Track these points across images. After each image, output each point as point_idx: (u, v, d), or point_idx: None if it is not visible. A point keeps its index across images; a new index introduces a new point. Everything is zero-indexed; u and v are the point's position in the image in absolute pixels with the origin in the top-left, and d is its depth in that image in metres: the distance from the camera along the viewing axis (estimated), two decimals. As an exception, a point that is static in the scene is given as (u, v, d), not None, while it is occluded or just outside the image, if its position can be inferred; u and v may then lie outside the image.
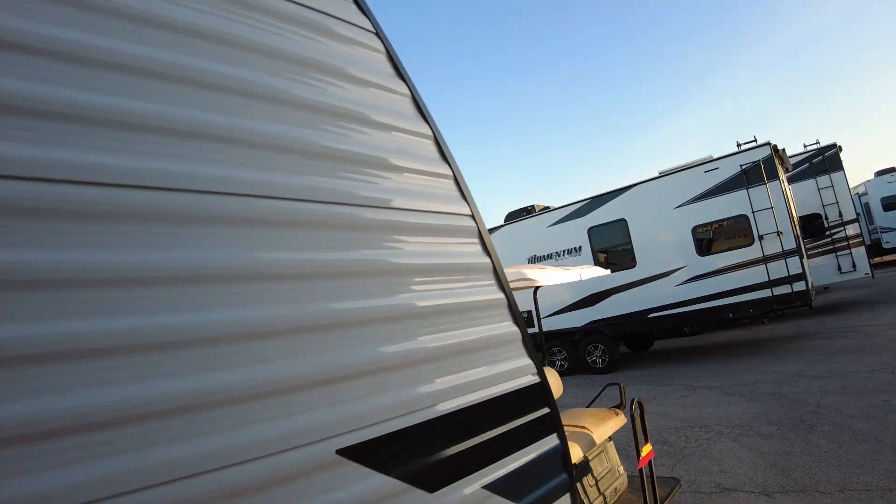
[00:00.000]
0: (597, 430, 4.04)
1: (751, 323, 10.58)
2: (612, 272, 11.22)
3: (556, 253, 12.14)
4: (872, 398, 6.41)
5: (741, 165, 9.72)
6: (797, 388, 7.40)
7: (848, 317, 12.48)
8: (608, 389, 4.87)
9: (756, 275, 9.63)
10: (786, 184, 10.92)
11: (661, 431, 6.73)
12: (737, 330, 12.94)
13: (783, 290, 9.42)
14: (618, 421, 4.26)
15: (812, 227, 13.69)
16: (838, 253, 13.44)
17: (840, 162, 13.55)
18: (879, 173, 22.37)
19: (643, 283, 10.87)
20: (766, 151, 9.59)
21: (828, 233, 13.54)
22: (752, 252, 9.67)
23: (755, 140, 9.81)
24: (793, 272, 9.33)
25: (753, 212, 9.60)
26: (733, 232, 9.98)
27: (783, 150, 9.92)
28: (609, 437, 4.26)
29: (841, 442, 5.35)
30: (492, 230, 13.52)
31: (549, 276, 3.94)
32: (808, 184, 13.65)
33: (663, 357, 12.13)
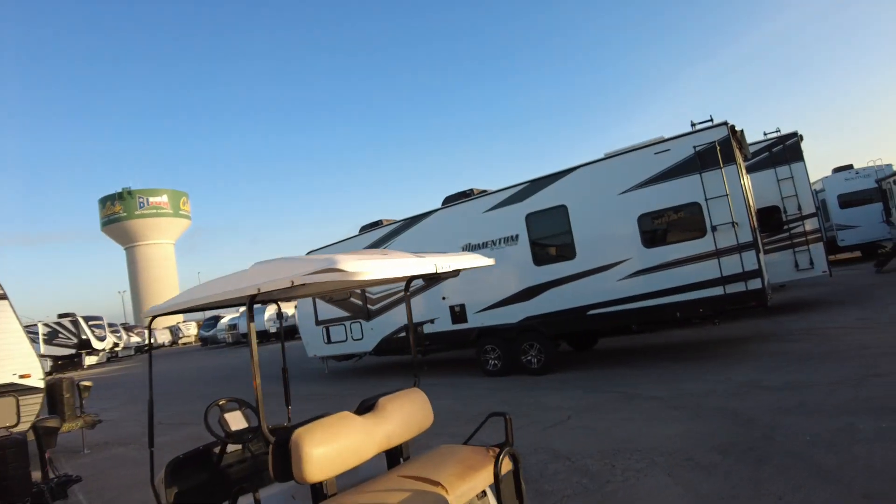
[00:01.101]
0: (456, 488, 2.75)
1: (701, 323, 9.53)
2: (552, 264, 10.14)
3: (492, 241, 10.89)
4: (835, 420, 5.33)
5: (695, 147, 8.59)
6: (749, 404, 6.31)
7: (806, 317, 11.60)
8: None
9: (707, 270, 8.55)
10: (744, 170, 9.87)
11: (584, 456, 5.53)
12: (689, 328, 11.91)
13: (737, 287, 8.35)
14: (490, 472, 2.97)
15: (769, 220, 12.79)
16: (796, 249, 12.59)
17: (801, 152, 12.66)
18: (837, 170, 21.87)
19: (583, 277, 9.70)
20: (723, 132, 8.48)
21: (786, 227, 12.66)
22: (704, 245, 8.58)
23: (711, 120, 8.69)
24: (748, 268, 8.27)
25: (706, 199, 8.49)
26: (684, 222, 8.87)
27: (741, 131, 8.83)
28: (482, 493, 2.98)
29: (799, 483, 4.21)
30: (424, 215, 12.20)
31: (379, 266, 2.57)
32: (767, 174, 12.73)
33: (606, 357, 11.03)
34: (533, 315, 10.35)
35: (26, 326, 31.27)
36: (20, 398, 8.75)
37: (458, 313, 11.48)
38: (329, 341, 14.57)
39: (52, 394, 9.90)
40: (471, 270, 11.23)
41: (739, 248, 8.28)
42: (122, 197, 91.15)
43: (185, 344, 60.22)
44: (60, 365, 36.06)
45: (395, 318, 12.70)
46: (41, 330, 35.39)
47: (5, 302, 9.07)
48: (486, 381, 10.52)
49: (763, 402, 6.29)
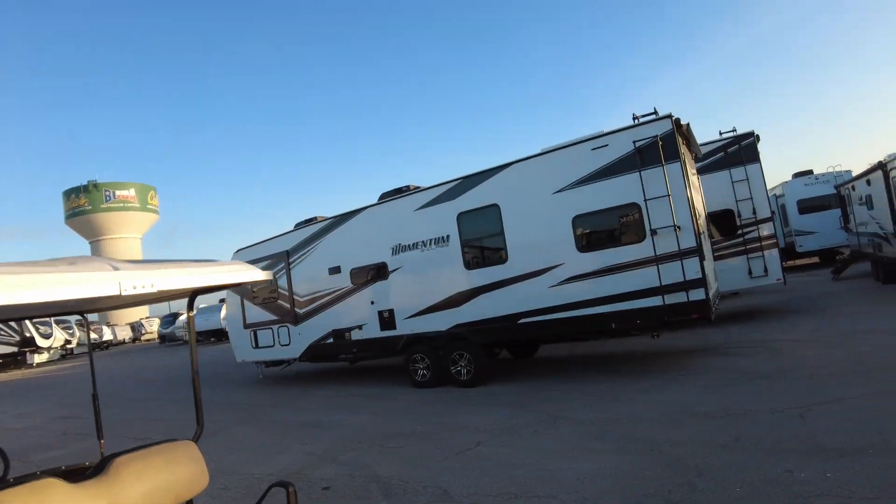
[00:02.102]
0: None
1: (640, 335, 8.75)
2: (483, 268, 9.25)
3: (423, 242, 9.97)
4: (772, 465, 4.51)
5: (635, 142, 7.78)
6: (679, 436, 5.48)
7: (757, 328, 10.92)
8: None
9: (645, 278, 7.75)
10: (691, 169, 9.10)
11: (476, 499, 4.63)
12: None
13: (677, 298, 7.56)
14: None
15: (723, 225, 12.11)
16: (750, 255, 11.93)
17: (757, 153, 12.00)
18: (797, 175, 21.48)
19: (515, 283, 8.84)
20: (667, 126, 7.68)
21: (740, 232, 11.98)
22: (643, 250, 7.78)
23: (655, 113, 7.87)
24: (690, 277, 7.48)
25: (646, 200, 7.68)
26: (621, 224, 8.07)
27: (687, 125, 8.03)
28: None
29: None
30: (354, 213, 11.23)
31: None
32: (721, 176, 12.04)
33: (544, 367, 10.19)
34: (463, 322, 9.47)
35: (-40, 323, 29.26)
36: None
37: (387, 319, 10.54)
38: (257, 346, 13.52)
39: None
40: (401, 272, 10.01)
41: (681, 255, 7.48)
42: (88, 190, 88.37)
43: (147, 341, 58.18)
44: (2, 364, 34.24)
45: (324, 323, 11.71)
46: (-21, 327, 33.48)
47: None
48: (411, 394, 9.61)
49: (696, 433, 5.47)
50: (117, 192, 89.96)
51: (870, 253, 15.35)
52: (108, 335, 56.97)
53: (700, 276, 7.46)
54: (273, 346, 13.04)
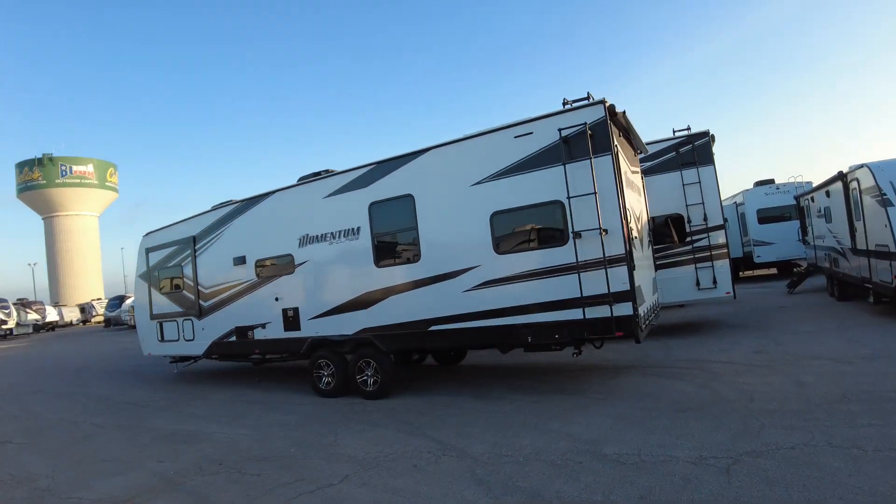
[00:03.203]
0: None
1: (559, 350, 7.74)
2: (394, 266, 8.15)
3: (332, 234, 8.82)
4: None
5: (561, 130, 6.73)
6: (572, 488, 4.44)
7: (700, 343, 10.04)
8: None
9: (565, 287, 6.73)
10: (629, 165, 8.12)
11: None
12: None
13: (599, 312, 6.56)
14: None
15: (670, 230, 11.22)
16: (698, 265, 11.06)
17: (711, 154, 11.11)
18: (758, 184, 20.87)
19: (427, 284, 7.77)
20: (599, 113, 6.65)
21: (689, 239, 11.09)
22: (564, 255, 6.75)
23: (588, 97, 6.83)
24: (616, 289, 6.48)
25: (569, 197, 6.65)
26: (542, 224, 7.06)
27: (624, 114, 7.01)
28: None
29: None
30: (261, 197, 10.02)
31: None
32: (672, 177, 11.13)
33: (462, 378, 9.14)
34: (370, 327, 8.37)
35: None
36: None
37: (292, 319, 9.38)
38: (163, 339, 12.25)
39: None
40: (308, 267, 8.82)
41: (606, 262, 6.47)
42: (42, 163, 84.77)
43: (97, 323, 55.74)
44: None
45: (228, 318, 10.50)
46: None
47: None
48: (310, 404, 8.49)
49: (594, 485, 4.44)
50: (74, 168, 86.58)
51: (826, 267, 14.70)
52: (52, 316, 54.57)
53: (627, 287, 6.47)
54: (178, 340, 11.79)
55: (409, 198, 7.91)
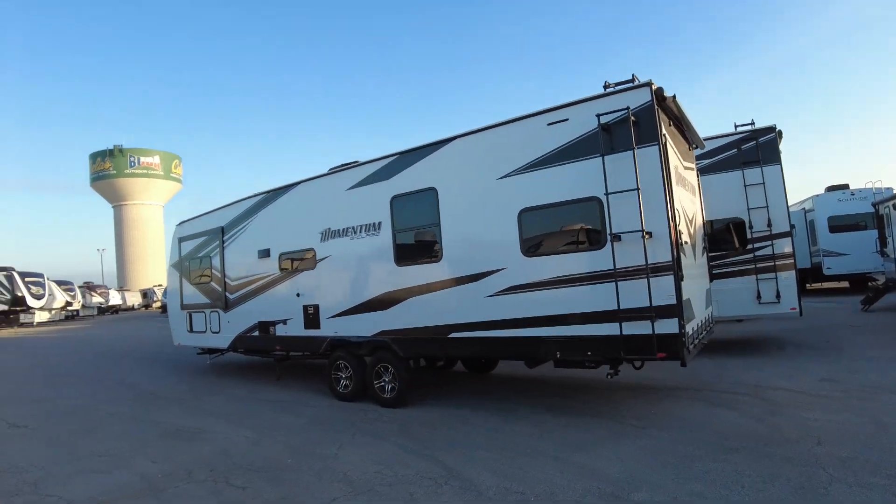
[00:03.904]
0: None
1: (594, 368, 6.88)
2: (415, 265, 7.50)
3: (353, 229, 8.26)
4: None
5: (599, 117, 5.90)
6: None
7: (757, 365, 8.95)
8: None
9: (600, 297, 5.91)
10: (682, 160, 7.18)
11: None
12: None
13: (639, 328, 5.70)
14: None
15: (730, 237, 10.13)
16: (760, 276, 9.93)
17: (777, 152, 9.94)
18: (831, 189, 19.13)
19: (448, 287, 7.09)
20: (645, 97, 5.79)
21: (750, 247, 9.98)
22: (600, 260, 5.93)
23: (633, 80, 5.97)
24: (659, 302, 5.61)
25: (608, 194, 5.82)
26: (576, 224, 6.24)
27: (674, 98, 6.10)
28: None
29: None
30: (285, 188, 9.58)
31: None
32: (732, 177, 10.02)
33: (488, 389, 8.40)
34: (388, 329, 7.76)
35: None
36: None
37: (312, 316, 8.90)
38: (192, 330, 12.07)
39: None
40: (329, 263, 8.11)
41: (649, 271, 5.61)
42: (113, 154, 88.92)
43: (157, 307, 57.85)
44: (-7, 319, 33.75)
45: (252, 312, 10.14)
46: (-28, 283, 33.00)
47: None
48: (323, 408, 7.98)
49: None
50: (142, 159, 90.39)
51: (908, 284, 13.16)
52: (115, 299, 57.05)
53: (673, 301, 5.59)
54: (205, 332, 11.58)
55: (431, 191, 7.25)
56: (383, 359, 7.88)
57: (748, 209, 9.91)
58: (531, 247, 6.42)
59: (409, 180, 7.53)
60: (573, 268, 6.07)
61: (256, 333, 10.04)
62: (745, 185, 9.89)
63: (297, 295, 9.10)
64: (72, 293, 44.43)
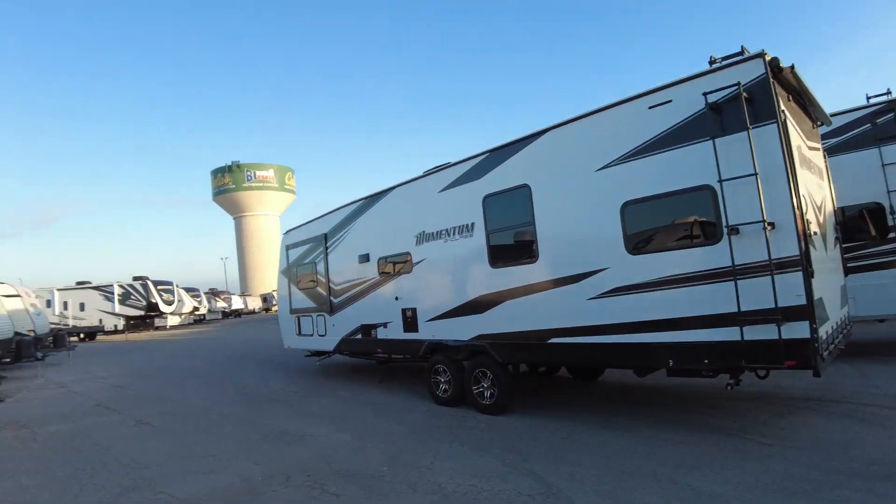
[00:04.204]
0: None
1: (712, 377, 6.23)
2: (510, 266, 7.23)
3: (446, 231, 8.14)
4: None
5: (707, 95, 5.33)
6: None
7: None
8: None
9: (717, 298, 5.32)
10: (805, 140, 6.37)
11: None
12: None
13: (763, 333, 5.07)
14: None
15: (867, 225, 8.96)
16: (906, 268, 8.68)
17: (925, 126, 8.64)
18: None
19: (545, 289, 6.74)
20: (758, 69, 5.15)
21: (892, 235, 8.77)
22: (715, 256, 5.34)
23: (743, 52, 5.34)
24: (786, 302, 4.95)
25: (721, 181, 5.23)
26: (686, 216, 5.67)
27: (792, 68, 5.37)
28: None
29: None
30: (381, 194, 9.66)
31: None
32: (867, 156, 8.84)
33: (597, 396, 7.95)
34: (485, 334, 7.54)
35: (103, 287, 32.48)
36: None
37: (410, 319, 8.88)
38: (300, 333, 12.56)
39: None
40: (425, 266, 8.15)
41: (773, 267, 4.98)
42: (231, 170, 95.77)
43: (276, 311, 61.60)
44: (133, 324, 37.29)
45: (354, 315, 10.34)
46: (116, 291, 36.65)
47: None
48: (424, 412, 7.92)
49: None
50: (257, 173, 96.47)
51: None
52: (238, 304, 61.47)
53: (803, 301, 4.92)
54: (313, 335, 11.98)
55: (524, 188, 6.95)
56: (481, 364, 7.67)
57: (888, 192, 8.70)
58: (637, 244, 5.93)
59: (501, 178, 7.28)
60: (685, 266, 5.53)
61: (359, 336, 10.21)
62: (883, 165, 8.68)
63: (396, 298, 9.13)
64: (198, 299, 48.31)
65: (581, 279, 6.34)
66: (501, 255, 7.38)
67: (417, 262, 8.69)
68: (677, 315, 5.58)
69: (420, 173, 9.01)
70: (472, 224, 7.66)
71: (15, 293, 19.19)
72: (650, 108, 5.75)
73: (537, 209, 6.80)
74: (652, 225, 5.89)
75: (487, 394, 7.60)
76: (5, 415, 10.01)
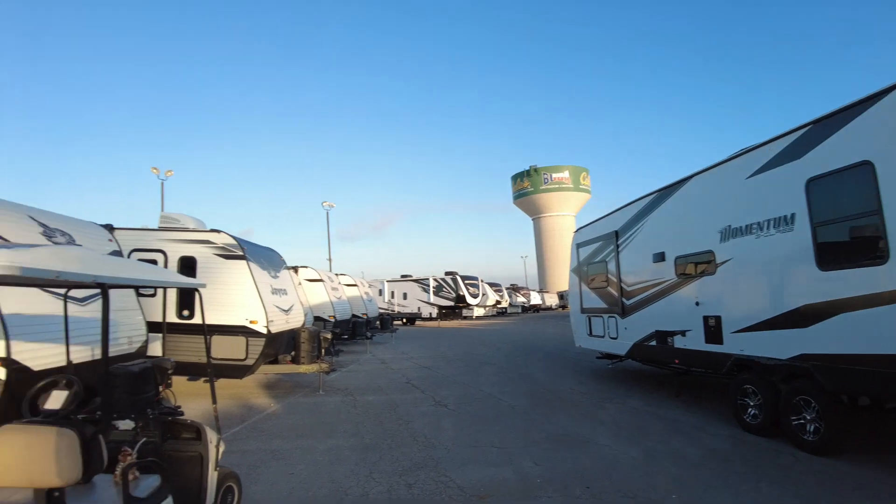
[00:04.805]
0: None
1: None
2: (847, 269, 5.78)
3: (757, 224, 6.90)
4: None
5: None
6: None
7: None
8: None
9: None
10: None
11: None
12: None
13: None
14: None
15: None
16: None
17: None
18: None
19: (902, 299, 5.15)
20: None
21: None
22: None
23: None
24: None
25: None
26: None
27: None
28: None
29: None
30: (678, 184, 8.74)
31: None
32: None
33: None
34: (809, 353, 6.15)
35: (421, 280, 37.69)
36: (249, 339, 9.87)
37: (713, 329, 7.85)
38: (591, 333, 12.33)
39: (296, 340, 11.13)
40: (731, 266, 7.56)
41: None
42: (530, 174, 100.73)
43: (571, 308, 63.05)
44: (444, 313, 41.95)
45: (648, 320, 9.67)
46: (431, 283, 41.69)
47: (243, 262, 10.13)
48: (725, 437, 6.88)
49: None
50: (553, 175, 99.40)
51: None
52: (535, 300, 64.36)
53: None
54: (604, 336, 11.63)
55: (865, 167, 5.41)
56: (803, 389, 6.30)
57: None
58: None
59: (830, 156, 5.83)
60: None
61: (653, 343, 9.46)
62: None
63: (696, 304, 8.17)
64: (500, 293, 51.89)
65: (961, 286, 4.66)
66: (832, 253, 5.91)
67: (722, 263, 7.60)
68: None
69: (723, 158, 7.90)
70: (792, 215, 6.33)
71: (318, 277, 20.10)
72: None
73: (885, 194, 5.22)
74: None
75: (810, 427, 6.20)
76: (340, 382, 12.09)
